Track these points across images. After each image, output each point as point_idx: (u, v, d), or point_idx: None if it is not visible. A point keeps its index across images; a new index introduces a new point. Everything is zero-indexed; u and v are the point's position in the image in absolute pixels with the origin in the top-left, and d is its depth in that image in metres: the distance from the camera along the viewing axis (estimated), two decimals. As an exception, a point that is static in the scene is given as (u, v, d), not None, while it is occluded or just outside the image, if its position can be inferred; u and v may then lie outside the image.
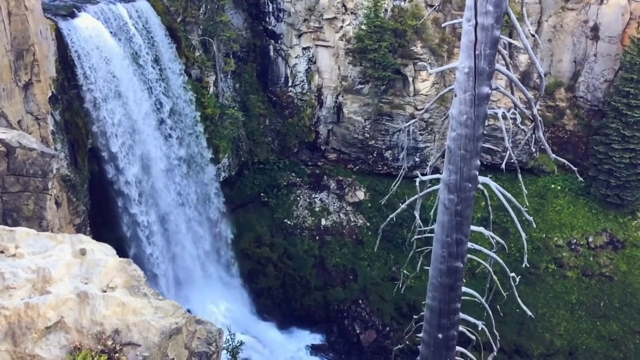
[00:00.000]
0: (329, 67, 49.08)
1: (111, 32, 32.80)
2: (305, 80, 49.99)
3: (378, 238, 20.90)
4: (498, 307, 17.97)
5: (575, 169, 15.66)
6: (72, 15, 31.13)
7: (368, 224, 49.46)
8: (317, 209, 49.81)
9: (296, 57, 49.24)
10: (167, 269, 39.70)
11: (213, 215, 44.38)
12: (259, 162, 50.35)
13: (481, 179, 14.02)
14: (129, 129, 34.75)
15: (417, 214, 16.37)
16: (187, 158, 40.72)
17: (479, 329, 16.71)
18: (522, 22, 13.23)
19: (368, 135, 50.19)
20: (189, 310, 10.51)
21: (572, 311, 45.48)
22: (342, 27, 47.43)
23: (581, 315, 45.37)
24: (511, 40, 13.58)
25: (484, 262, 16.38)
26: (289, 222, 49.06)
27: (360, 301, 46.20)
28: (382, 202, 36.45)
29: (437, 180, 14.54)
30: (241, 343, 32.04)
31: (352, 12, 46.79)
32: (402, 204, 16.56)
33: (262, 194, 49.78)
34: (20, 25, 25.72)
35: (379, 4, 45.04)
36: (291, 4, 47.46)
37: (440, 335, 15.41)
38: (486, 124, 13.22)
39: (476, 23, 11.82)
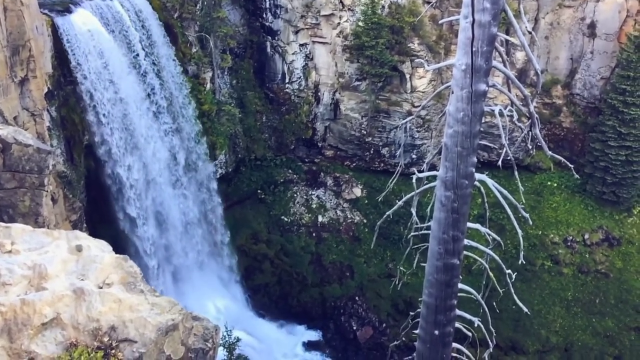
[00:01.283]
0: (326, 63, 48.98)
1: (108, 29, 32.69)
2: (302, 77, 49.89)
3: (375, 235, 20.92)
4: (494, 303, 18.00)
5: (572, 166, 15.74)
6: (69, 11, 31.02)
7: (365, 221, 49.46)
8: (314, 206, 49.79)
9: (293, 54, 49.12)
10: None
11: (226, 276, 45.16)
12: (256, 159, 50.30)
13: (478, 176, 14.05)
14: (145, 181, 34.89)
15: (413, 211, 16.38)
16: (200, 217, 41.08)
17: (475, 325, 16.77)
18: (519, 19, 13.24)
19: (365, 132, 50.16)
20: (185, 307, 10.50)
21: (567, 308, 45.61)
22: (339, 23, 47.33)
23: (577, 312, 45.50)
24: (508, 38, 13.59)
25: (480, 259, 16.41)
26: (285, 219, 49.05)
27: (356, 298, 46.24)
28: (379, 199, 36.46)
29: (434, 177, 14.57)
30: (238, 339, 32.04)
31: (349, 9, 46.70)
32: (398, 201, 16.59)
33: (259, 191, 49.75)
34: (16, 21, 25.59)
35: (376, 0, 44.97)
36: (288, 0, 47.35)
37: (436, 332, 15.46)
38: (483, 121, 13.24)
39: (473, 20, 11.83)
